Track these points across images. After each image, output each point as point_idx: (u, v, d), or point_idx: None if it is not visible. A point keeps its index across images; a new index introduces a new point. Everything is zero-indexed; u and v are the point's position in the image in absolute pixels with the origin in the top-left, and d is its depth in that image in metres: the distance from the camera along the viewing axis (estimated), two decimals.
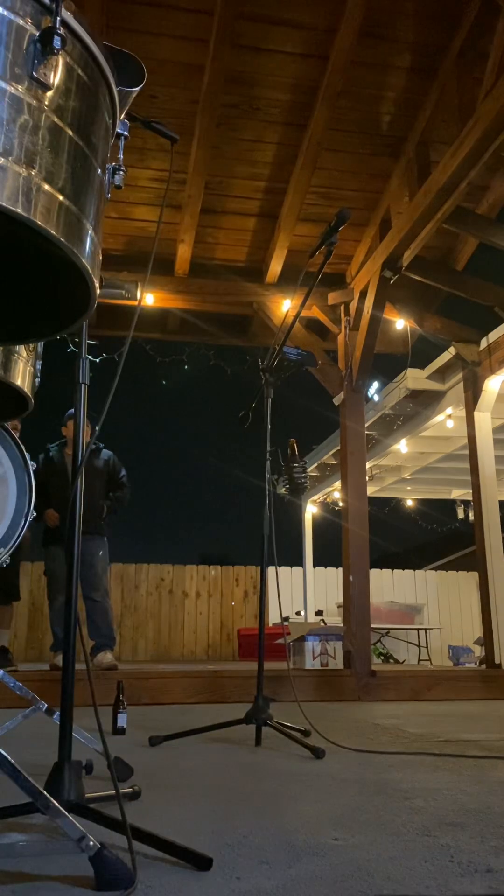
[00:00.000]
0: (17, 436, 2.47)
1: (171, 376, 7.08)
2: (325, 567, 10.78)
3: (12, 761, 1.24)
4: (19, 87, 1.00)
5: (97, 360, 5.28)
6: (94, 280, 1.15)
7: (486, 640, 5.36)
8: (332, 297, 5.76)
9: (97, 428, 1.53)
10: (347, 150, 4.95)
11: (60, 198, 1.05)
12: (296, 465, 2.91)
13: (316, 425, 9.32)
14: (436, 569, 12.71)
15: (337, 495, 9.26)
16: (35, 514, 2.49)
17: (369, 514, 5.70)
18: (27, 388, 2.00)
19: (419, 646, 10.08)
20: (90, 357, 1.62)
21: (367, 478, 5.76)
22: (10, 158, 0.97)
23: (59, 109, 1.06)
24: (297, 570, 10.56)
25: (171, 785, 1.92)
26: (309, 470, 9.18)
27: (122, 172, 1.37)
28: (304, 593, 10.15)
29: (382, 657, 9.47)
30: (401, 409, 7.24)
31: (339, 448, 6.03)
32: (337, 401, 5.70)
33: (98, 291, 1.19)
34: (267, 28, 4.19)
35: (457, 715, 3.80)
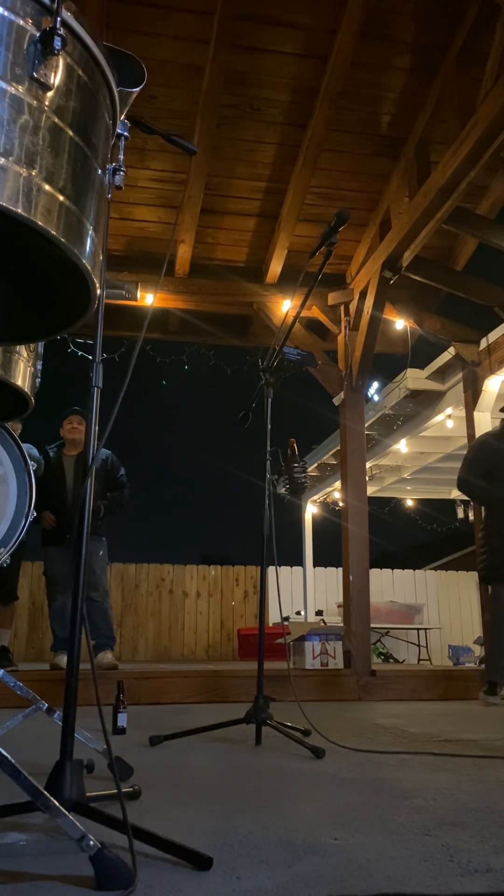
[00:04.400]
0: (16, 436, 2.47)
1: (171, 376, 7.08)
2: (325, 567, 10.78)
3: (13, 761, 1.24)
4: (20, 88, 1.00)
5: (100, 361, 5.28)
6: (95, 280, 1.15)
7: (486, 639, 5.35)
8: (332, 298, 5.76)
9: (104, 430, 1.52)
10: (347, 150, 4.95)
11: (61, 198, 1.05)
12: (296, 465, 2.91)
13: (316, 425, 9.33)
14: (436, 569, 12.70)
15: (337, 495, 9.26)
16: (35, 514, 2.50)
17: (369, 514, 5.70)
18: (27, 388, 2.00)
19: (419, 645, 10.08)
20: (88, 356, 1.61)
21: (367, 478, 5.76)
22: (10, 159, 0.97)
23: (60, 110, 1.07)
24: (297, 570, 10.56)
25: (171, 785, 1.92)
26: (309, 470, 9.19)
27: (122, 173, 1.37)
28: (304, 593, 10.15)
29: (382, 657, 9.47)
30: (401, 409, 7.24)
31: (339, 448, 6.02)
32: (337, 401, 5.70)
33: (98, 291, 1.19)
34: (267, 28, 4.19)
35: (457, 715, 3.80)
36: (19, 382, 1.95)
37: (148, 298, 5.44)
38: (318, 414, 7.19)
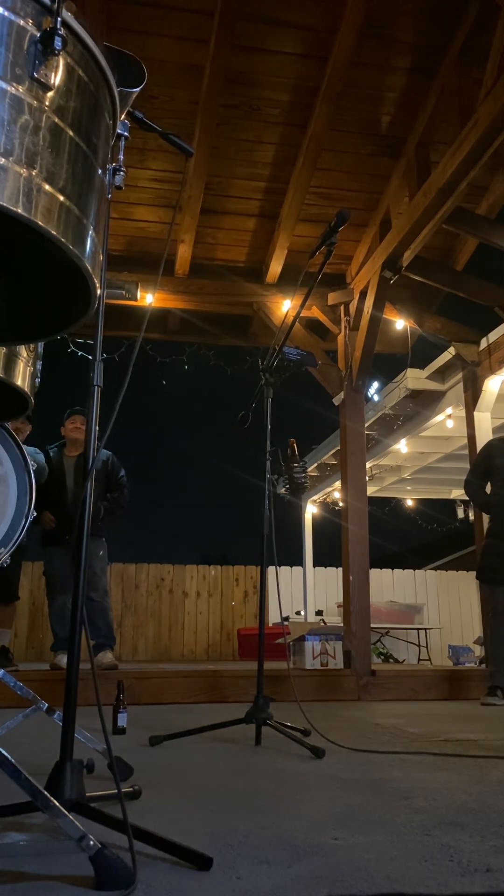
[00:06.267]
0: (24, 437, 2.47)
1: (171, 376, 7.08)
2: (325, 567, 10.78)
3: (13, 761, 1.24)
4: (20, 88, 1.00)
5: (100, 360, 5.28)
6: (95, 280, 1.15)
7: (485, 639, 5.35)
8: (332, 298, 5.76)
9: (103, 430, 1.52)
10: (347, 150, 4.95)
11: (61, 198, 1.05)
12: (296, 465, 2.91)
13: (316, 425, 9.33)
14: (436, 569, 12.70)
15: (337, 495, 9.26)
16: (35, 514, 2.49)
17: (369, 514, 5.70)
18: (27, 388, 2.00)
19: (419, 645, 10.08)
20: (88, 356, 1.61)
21: (367, 478, 5.76)
22: (10, 159, 0.97)
23: (60, 110, 1.07)
24: (297, 570, 10.55)
25: (171, 784, 1.92)
26: (309, 470, 9.19)
27: (122, 173, 1.37)
28: (304, 593, 10.14)
29: (382, 657, 9.47)
30: (401, 409, 7.24)
31: (339, 448, 6.03)
32: (337, 401, 5.70)
33: (98, 291, 1.19)
34: (267, 28, 4.18)
35: (457, 715, 3.80)
36: (19, 382, 1.95)
37: (148, 298, 5.44)
38: (318, 414, 7.20)
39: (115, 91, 1.22)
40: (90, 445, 1.55)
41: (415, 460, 8.67)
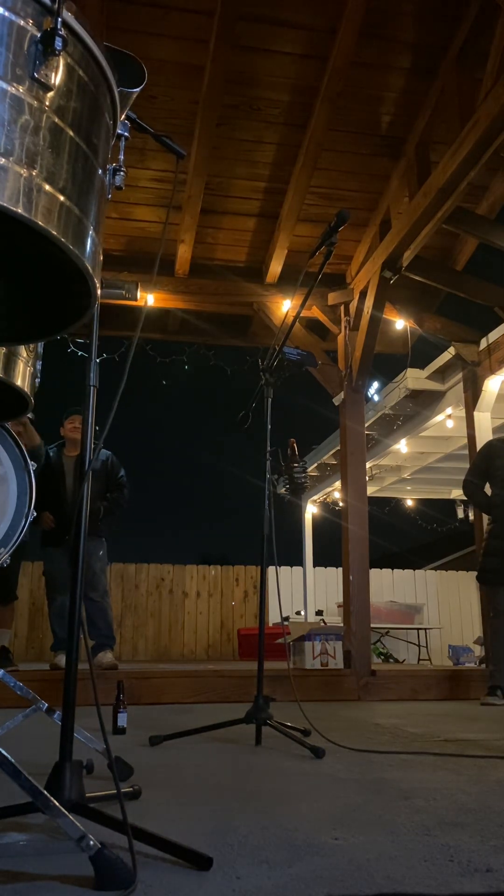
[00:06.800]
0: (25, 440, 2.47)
1: (171, 376, 7.08)
2: (325, 567, 10.78)
3: (13, 761, 1.24)
4: (20, 88, 1.00)
5: (97, 360, 5.28)
6: (95, 280, 1.15)
7: (486, 639, 5.36)
8: (332, 298, 5.76)
9: (102, 431, 1.52)
10: (347, 150, 4.95)
11: (61, 198, 1.05)
12: (296, 465, 2.91)
13: (316, 425, 9.34)
14: (436, 568, 12.71)
15: (337, 495, 9.26)
16: (35, 514, 2.49)
17: (369, 514, 5.70)
18: (27, 389, 2.00)
19: (419, 645, 10.08)
20: (87, 355, 1.62)
21: (367, 478, 5.76)
22: (10, 159, 0.97)
23: (60, 110, 1.07)
24: (297, 570, 10.56)
25: (171, 785, 1.92)
26: (309, 470, 9.19)
27: (122, 173, 1.37)
28: (304, 593, 10.15)
29: (382, 657, 9.47)
30: (401, 409, 7.24)
31: (339, 448, 6.03)
32: (337, 401, 5.70)
33: (98, 292, 1.19)
34: (267, 28, 4.18)
35: (457, 715, 3.80)
36: (19, 383, 1.95)
37: (149, 299, 5.44)
38: (318, 414, 7.20)
39: (116, 91, 1.22)
40: (86, 445, 1.55)
41: (415, 460, 8.68)
